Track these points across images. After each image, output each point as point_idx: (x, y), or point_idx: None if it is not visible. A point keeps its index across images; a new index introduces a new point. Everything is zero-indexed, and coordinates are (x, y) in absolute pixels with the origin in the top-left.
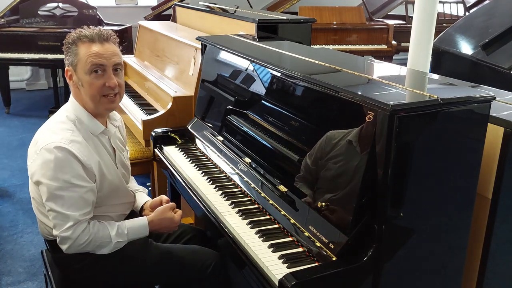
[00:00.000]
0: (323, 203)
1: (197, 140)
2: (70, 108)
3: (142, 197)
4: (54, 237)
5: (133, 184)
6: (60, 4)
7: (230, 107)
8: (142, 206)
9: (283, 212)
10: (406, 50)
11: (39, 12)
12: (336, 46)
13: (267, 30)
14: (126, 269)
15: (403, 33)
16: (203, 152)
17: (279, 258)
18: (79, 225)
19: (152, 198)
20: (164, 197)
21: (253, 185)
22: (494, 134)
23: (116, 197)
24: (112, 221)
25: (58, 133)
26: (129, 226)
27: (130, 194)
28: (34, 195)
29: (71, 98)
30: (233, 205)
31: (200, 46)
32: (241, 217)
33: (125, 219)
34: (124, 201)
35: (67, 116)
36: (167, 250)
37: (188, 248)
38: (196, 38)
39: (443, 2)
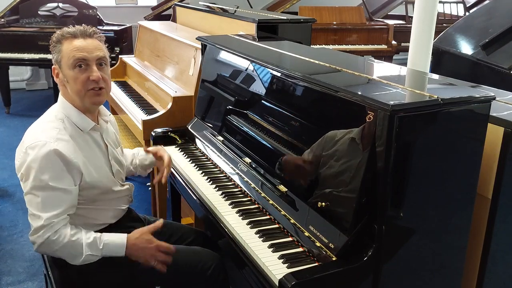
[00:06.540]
0: (323, 203)
1: (197, 140)
2: (59, 107)
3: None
4: None
5: (128, 155)
6: (60, 4)
7: (230, 107)
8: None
9: (283, 212)
10: (406, 50)
11: (39, 12)
12: (336, 46)
13: (267, 30)
14: (127, 269)
15: (403, 33)
16: (203, 152)
17: (279, 258)
18: (51, 227)
19: (151, 199)
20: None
21: (253, 185)
22: (494, 134)
23: (107, 193)
24: (91, 231)
25: (45, 131)
26: (106, 242)
27: (123, 190)
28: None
29: (60, 96)
30: (233, 205)
31: (200, 46)
32: (241, 217)
33: (125, 216)
34: (117, 196)
35: (55, 115)
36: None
37: (189, 249)
38: (196, 38)
39: (443, 2)
